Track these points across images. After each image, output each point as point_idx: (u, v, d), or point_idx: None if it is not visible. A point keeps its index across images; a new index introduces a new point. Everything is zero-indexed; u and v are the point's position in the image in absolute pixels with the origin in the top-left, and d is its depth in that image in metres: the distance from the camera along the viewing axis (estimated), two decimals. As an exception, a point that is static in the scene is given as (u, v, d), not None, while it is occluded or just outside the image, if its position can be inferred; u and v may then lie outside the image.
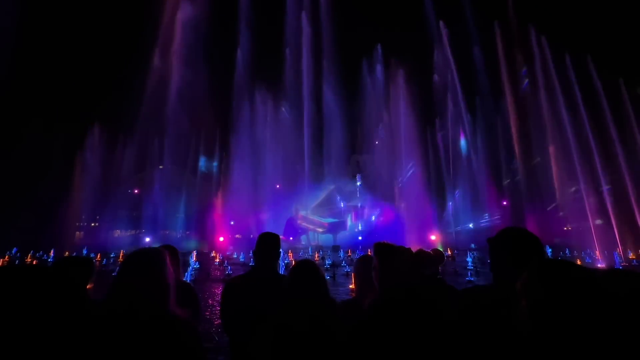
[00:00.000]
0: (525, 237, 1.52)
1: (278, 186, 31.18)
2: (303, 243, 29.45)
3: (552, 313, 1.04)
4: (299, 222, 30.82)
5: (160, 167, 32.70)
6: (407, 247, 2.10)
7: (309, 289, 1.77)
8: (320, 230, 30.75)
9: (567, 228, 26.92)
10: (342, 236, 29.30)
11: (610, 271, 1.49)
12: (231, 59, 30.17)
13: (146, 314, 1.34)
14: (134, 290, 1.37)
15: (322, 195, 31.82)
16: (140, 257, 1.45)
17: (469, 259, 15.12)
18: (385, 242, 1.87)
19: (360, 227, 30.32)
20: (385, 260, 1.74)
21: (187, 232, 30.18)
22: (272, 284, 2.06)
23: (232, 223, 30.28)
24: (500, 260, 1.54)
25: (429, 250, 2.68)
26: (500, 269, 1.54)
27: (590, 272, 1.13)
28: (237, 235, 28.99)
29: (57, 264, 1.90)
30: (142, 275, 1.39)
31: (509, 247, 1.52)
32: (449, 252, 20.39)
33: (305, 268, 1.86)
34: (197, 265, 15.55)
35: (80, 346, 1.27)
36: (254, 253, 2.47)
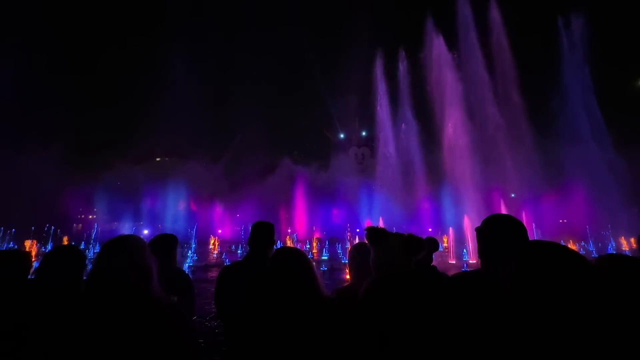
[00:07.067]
0: (510, 224, 1.55)
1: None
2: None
3: (544, 294, 1.06)
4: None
5: (158, 159, 32.55)
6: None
7: (291, 284, 1.71)
8: None
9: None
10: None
11: (607, 255, 1.53)
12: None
13: (124, 297, 1.35)
14: (111, 273, 1.38)
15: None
16: (117, 242, 1.48)
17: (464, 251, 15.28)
18: (377, 226, 1.88)
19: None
20: (376, 244, 1.76)
21: (186, 225, 30.17)
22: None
23: (237, 215, 30.20)
24: (487, 247, 1.58)
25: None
26: (488, 255, 1.57)
27: (578, 254, 1.15)
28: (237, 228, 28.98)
29: (48, 253, 1.93)
30: (118, 259, 1.41)
31: (495, 233, 1.55)
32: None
33: (288, 259, 1.81)
34: (195, 257, 15.75)
35: (61, 328, 1.31)
36: (248, 241, 2.50)
